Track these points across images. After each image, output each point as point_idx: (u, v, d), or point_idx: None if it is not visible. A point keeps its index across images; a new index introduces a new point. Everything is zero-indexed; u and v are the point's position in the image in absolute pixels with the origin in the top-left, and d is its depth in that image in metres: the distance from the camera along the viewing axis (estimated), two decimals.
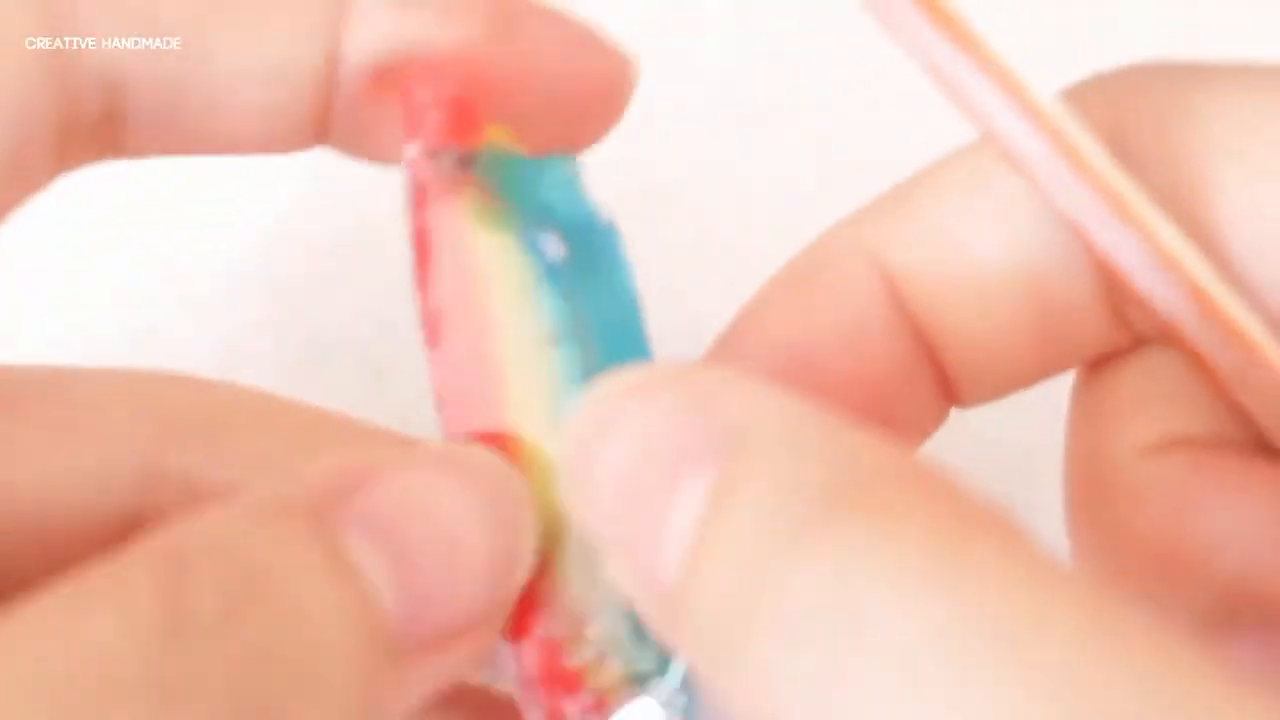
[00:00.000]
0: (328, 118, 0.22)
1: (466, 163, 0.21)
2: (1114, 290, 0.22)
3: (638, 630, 0.20)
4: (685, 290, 0.33)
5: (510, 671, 0.21)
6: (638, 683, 0.20)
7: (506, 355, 0.21)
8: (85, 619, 0.17)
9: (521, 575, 0.20)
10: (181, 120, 0.22)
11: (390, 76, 0.22)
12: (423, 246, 0.21)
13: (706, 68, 0.38)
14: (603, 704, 0.20)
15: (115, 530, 0.22)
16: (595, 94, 0.23)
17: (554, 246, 0.21)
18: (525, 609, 0.20)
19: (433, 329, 0.21)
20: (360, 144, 0.23)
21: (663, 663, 0.20)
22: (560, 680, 0.20)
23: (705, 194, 0.36)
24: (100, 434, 0.22)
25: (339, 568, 0.18)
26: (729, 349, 0.23)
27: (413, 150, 0.21)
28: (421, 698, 0.20)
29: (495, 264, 0.21)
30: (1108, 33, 0.38)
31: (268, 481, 0.20)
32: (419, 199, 0.21)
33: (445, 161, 0.21)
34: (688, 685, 0.20)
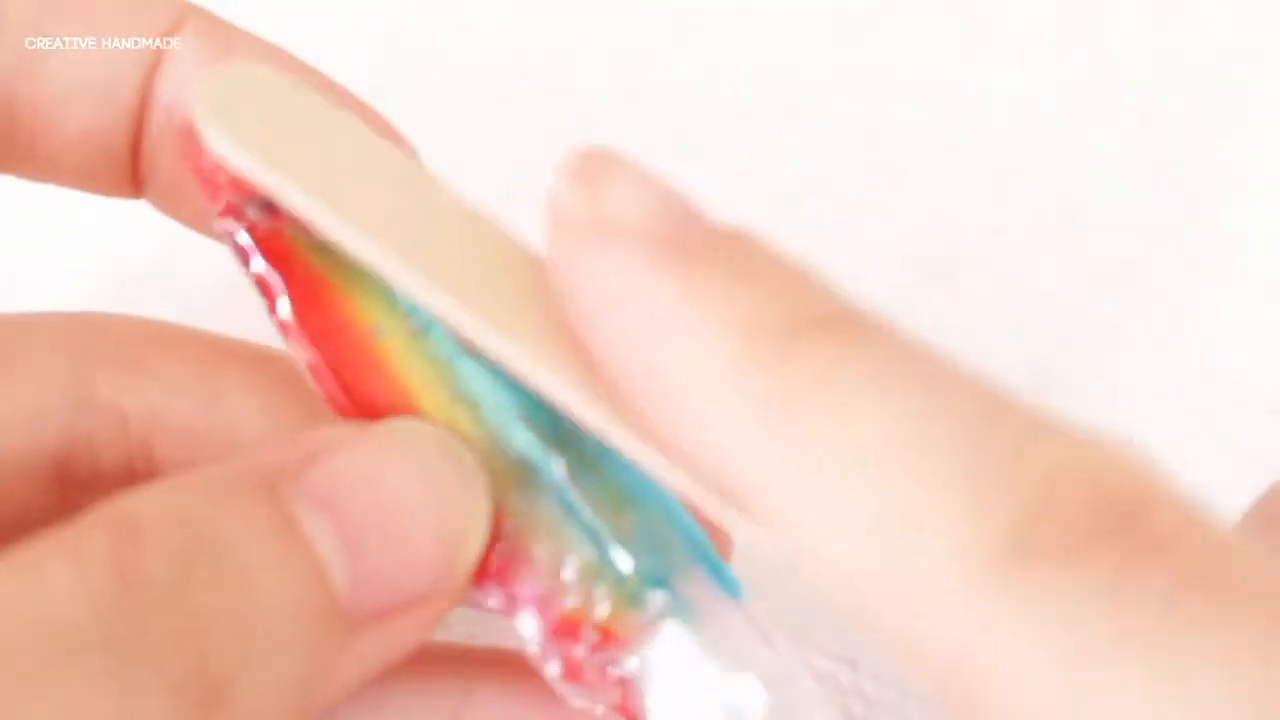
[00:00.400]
0: (139, 161, 0.23)
1: (272, 203, 0.22)
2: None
3: (608, 550, 0.21)
4: None
5: (518, 636, 0.21)
6: (632, 600, 0.21)
7: (394, 360, 0.22)
8: (38, 578, 0.17)
9: (476, 546, 0.21)
10: (15, 132, 0.23)
11: (188, 141, 0.23)
12: (270, 295, 0.22)
13: (704, 66, 0.38)
14: (609, 634, 0.21)
15: (51, 462, 0.23)
16: None
17: None
18: (502, 577, 0.21)
19: (318, 370, 0.22)
20: (176, 203, 0.24)
21: (648, 567, 0.21)
22: (562, 630, 0.21)
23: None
24: (32, 372, 0.23)
25: (289, 537, 0.19)
26: None
27: (218, 215, 0.22)
28: (378, 667, 0.20)
29: (341, 284, 0.22)
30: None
31: (188, 404, 0.23)
32: (245, 258, 0.22)
33: (251, 211, 0.22)
34: (673, 582, 0.21)
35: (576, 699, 0.21)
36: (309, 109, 0.21)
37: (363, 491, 0.20)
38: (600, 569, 0.21)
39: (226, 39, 0.23)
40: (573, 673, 0.21)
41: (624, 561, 0.21)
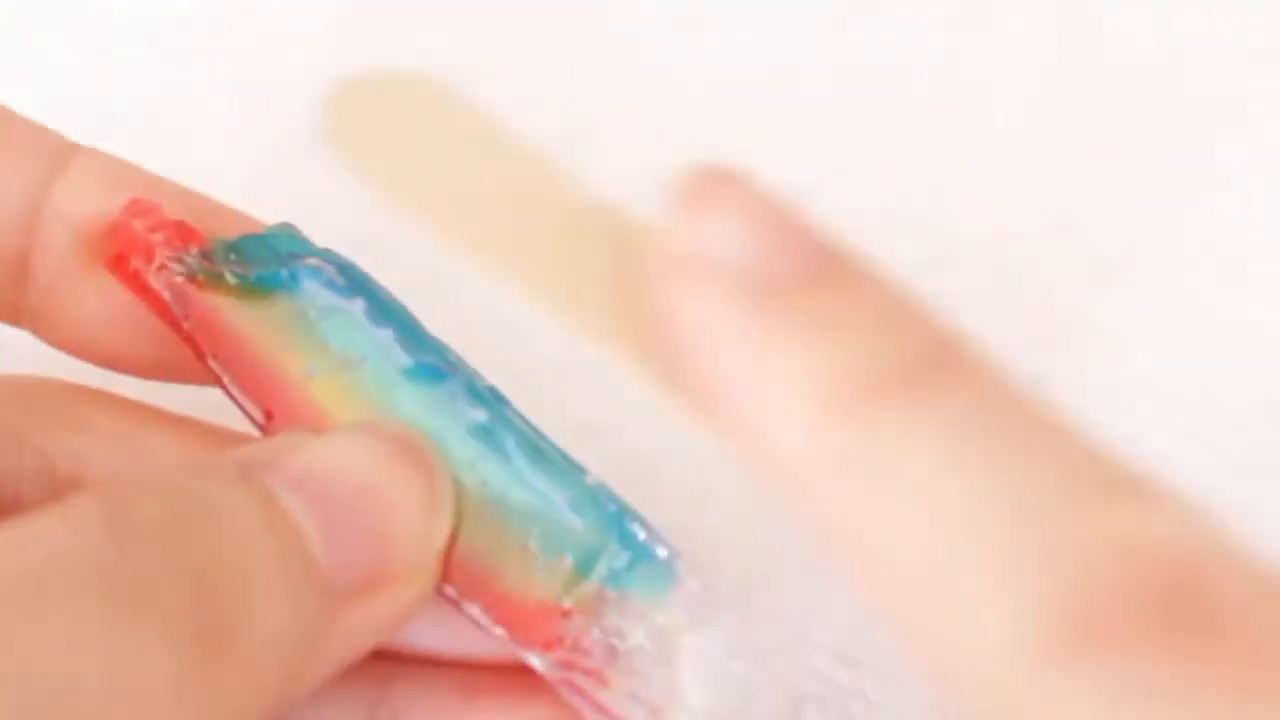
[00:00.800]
0: (24, 288, 0.24)
1: (207, 256, 0.23)
2: None
3: (557, 528, 0.22)
4: None
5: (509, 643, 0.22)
6: (585, 570, 0.22)
7: (330, 399, 0.23)
8: (35, 530, 0.18)
9: (443, 528, 0.22)
10: None
11: (102, 236, 0.24)
12: (209, 340, 0.23)
13: (701, 67, 0.38)
14: (572, 609, 0.22)
15: None
16: None
17: (327, 270, 0.23)
18: (474, 589, 0.22)
19: (262, 407, 0.23)
20: (58, 322, 0.24)
21: (595, 534, 0.22)
22: (531, 622, 0.22)
23: None
24: None
25: (268, 507, 0.20)
26: None
27: (154, 270, 0.23)
28: (364, 646, 0.21)
29: (271, 334, 0.23)
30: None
31: (118, 454, 0.23)
32: (184, 304, 0.23)
33: (190, 262, 0.23)
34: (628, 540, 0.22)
35: (560, 676, 0.22)
36: (423, 101, 0.22)
37: (333, 475, 0.21)
38: (557, 544, 0.22)
39: (116, 172, 0.24)
40: (551, 651, 0.22)
41: (581, 537, 0.22)
